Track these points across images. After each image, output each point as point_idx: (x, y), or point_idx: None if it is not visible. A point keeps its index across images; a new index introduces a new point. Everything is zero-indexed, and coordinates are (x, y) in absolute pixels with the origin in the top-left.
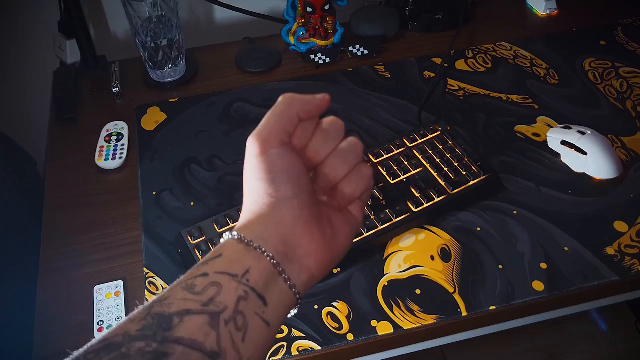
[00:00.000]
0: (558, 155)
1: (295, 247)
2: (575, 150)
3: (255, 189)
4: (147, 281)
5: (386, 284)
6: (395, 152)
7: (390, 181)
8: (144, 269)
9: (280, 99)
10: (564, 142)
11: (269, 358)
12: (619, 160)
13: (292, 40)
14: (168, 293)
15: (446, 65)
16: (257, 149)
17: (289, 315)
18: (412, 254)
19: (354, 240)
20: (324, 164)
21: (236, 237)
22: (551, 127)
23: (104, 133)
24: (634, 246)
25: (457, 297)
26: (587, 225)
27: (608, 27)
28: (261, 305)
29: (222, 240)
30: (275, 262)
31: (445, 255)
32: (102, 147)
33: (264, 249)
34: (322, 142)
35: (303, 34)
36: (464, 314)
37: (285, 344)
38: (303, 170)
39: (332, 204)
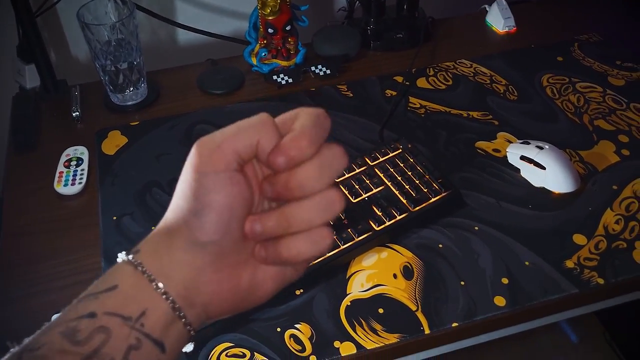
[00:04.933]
0: (518, 170)
1: (199, 293)
2: (534, 165)
3: (178, 209)
4: None
5: (349, 303)
6: (357, 170)
7: (352, 200)
8: None
9: (256, 116)
10: (523, 157)
11: None
12: (576, 174)
13: (254, 61)
14: (44, 338)
15: (407, 83)
16: (196, 161)
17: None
18: (375, 273)
19: (315, 261)
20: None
21: (136, 264)
22: (511, 142)
23: (63, 158)
24: (592, 259)
25: (419, 315)
26: (546, 239)
27: (565, 43)
28: (158, 353)
29: (120, 259)
30: (177, 306)
31: (407, 273)
32: (61, 172)
33: (165, 291)
34: (312, 178)
35: (265, 54)
36: (427, 331)
37: None
38: (240, 210)
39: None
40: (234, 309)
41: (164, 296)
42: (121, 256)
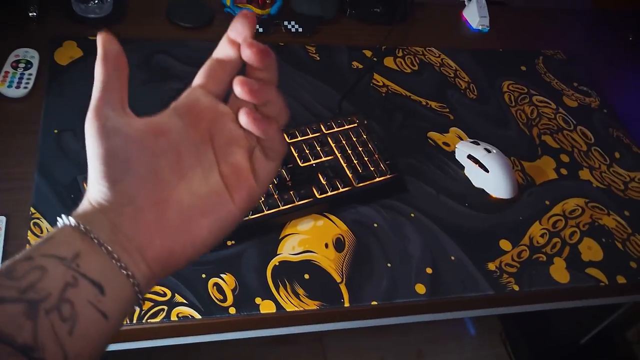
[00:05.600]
0: (462, 167)
1: (127, 237)
2: (479, 166)
3: (91, 168)
4: (32, 221)
5: (277, 264)
6: (310, 135)
7: (300, 164)
8: (31, 208)
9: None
10: (470, 156)
11: (146, 320)
12: (516, 182)
13: (228, 2)
14: None
15: (375, 59)
16: (87, 127)
17: (134, 312)
18: (308, 239)
19: (252, 216)
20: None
21: (70, 222)
22: (462, 139)
23: (11, 58)
24: (513, 265)
25: (342, 287)
26: (475, 238)
27: (531, 54)
28: (97, 293)
29: (58, 225)
30: (108, 248)
31: (339, 244)
32: (7, 72)
33: (94, 235)
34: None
35: None
36: (347, 304)
37: (165, 307)
38: (136, 147)
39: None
40: (168, 254)
41: (95, 241)
42: (60, 220)
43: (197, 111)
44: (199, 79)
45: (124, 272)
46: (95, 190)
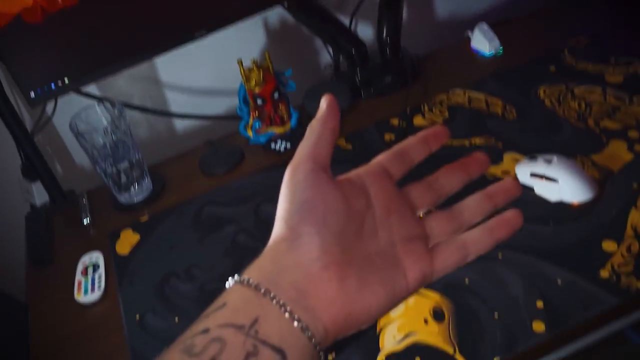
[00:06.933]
0: (531, 188)
1: (309, 295)
2: (546, 179)
3: (278, 218)
4: None
5: (384, 359)
6: None
7: None
8: None
9: (317, 115)
10: (533, 174)
11: None
12: (591, 179)
13: (250, 134)
14: (164, 356)
15: (404, 124)
16: (286, 176)
17: None
18: (405, 322)
19: None
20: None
21: (242, 280)
22: (518, 161)
23: (80, 267)
24: (627, 263)
25: (458, 356)
26: (575, 252)
27: (554, 51)
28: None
29: (227, 285)
30: (288, 309)
31: (438, 315)
32: (79, 281)
33: (273, 294)
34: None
35: (260, 125)
36: None
37: None
38: (334, 204)
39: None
40: (345, 318)
41: (273, 301)
42: (230, 279)
43: (381, 183)
44: (383, 156)
45: (306, 333)
46: (285, 236)
